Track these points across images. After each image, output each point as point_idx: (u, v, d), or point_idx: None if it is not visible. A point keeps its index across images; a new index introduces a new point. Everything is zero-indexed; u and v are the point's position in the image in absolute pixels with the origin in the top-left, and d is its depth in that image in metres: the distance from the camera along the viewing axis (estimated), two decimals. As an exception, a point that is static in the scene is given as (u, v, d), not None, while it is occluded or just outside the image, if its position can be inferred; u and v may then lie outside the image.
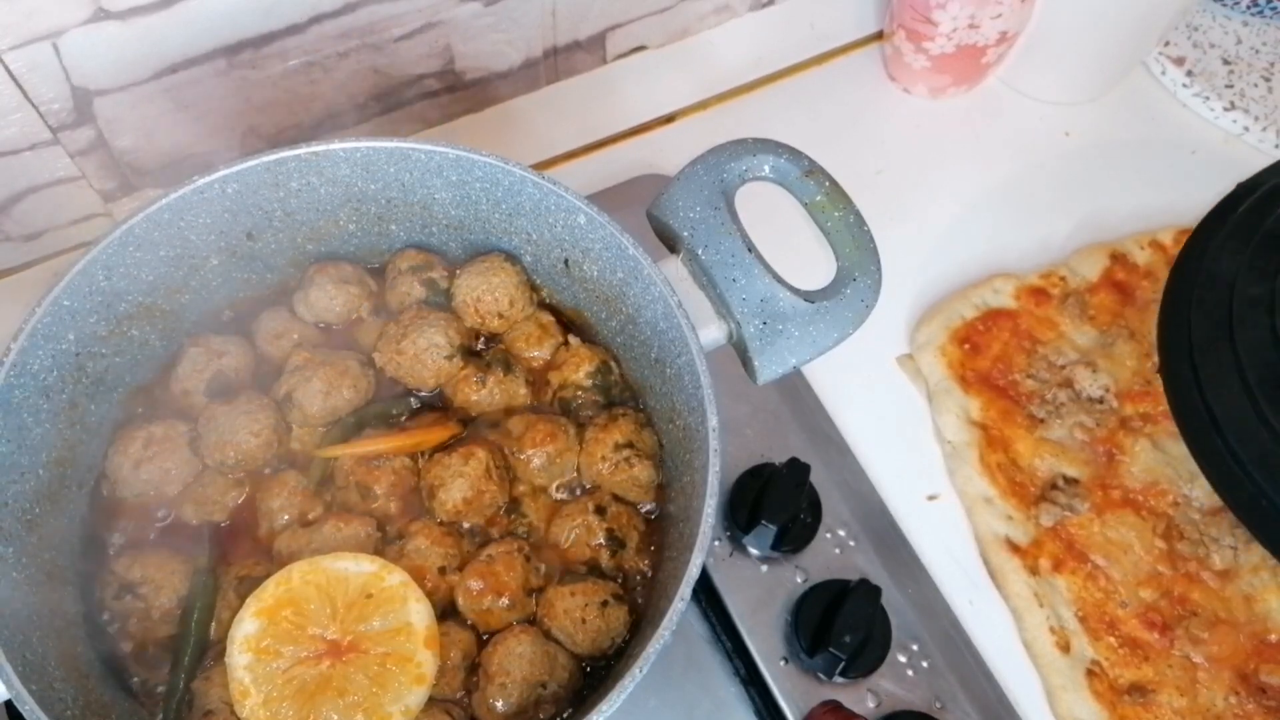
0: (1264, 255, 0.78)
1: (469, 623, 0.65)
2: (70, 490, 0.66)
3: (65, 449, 0.65)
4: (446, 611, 0.65)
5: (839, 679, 0.77)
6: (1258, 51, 1.12)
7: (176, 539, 0.67)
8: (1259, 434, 0.73)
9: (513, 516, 0.69)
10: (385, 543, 0.66)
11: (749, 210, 0.69)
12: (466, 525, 0.68)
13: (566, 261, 0.73)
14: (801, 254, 0.71)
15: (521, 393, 0.72)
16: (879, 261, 0.68)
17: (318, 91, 0.92)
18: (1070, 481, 0.86)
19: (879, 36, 1.13)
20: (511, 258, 0.74)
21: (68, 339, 0.64)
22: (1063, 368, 0.91)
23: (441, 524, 0.67)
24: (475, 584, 0.65)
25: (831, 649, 0.74)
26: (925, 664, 0.79)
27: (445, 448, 0.69)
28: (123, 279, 0.66)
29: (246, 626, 0.60)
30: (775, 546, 0.80)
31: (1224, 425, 0.74)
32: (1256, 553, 0.82)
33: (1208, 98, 1.09)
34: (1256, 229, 0.80)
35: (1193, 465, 0.79)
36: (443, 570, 0.65)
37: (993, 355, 0.91)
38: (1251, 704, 0.78)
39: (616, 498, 0.69)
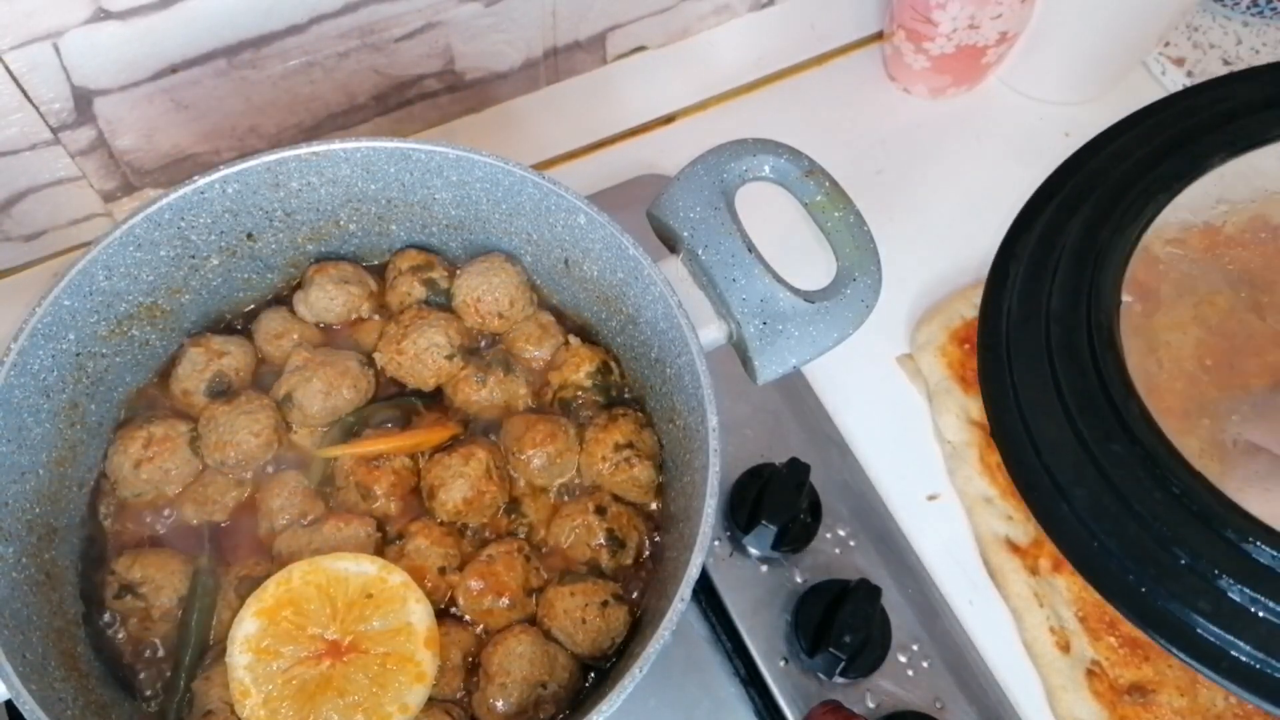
0: (1071, 278, 0.72)
1: (469, 623, 0.65)
2: (70, 490, 0.66)
3: (65, 449, 0.65)
4: (446, 611, 0.65)
5: (839, 679, 0.77)
6: (1258, 52, 1.11)
7: (176, 539, 0.67)
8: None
9: (513, 516, 0.69)
10: (385, 543, 0.66)
11: (749, 210, 0.69)
12: (469, 525, 0.68)
13: (566, 261, 0.73)
14: (801, 254, 0.71)
15: (522, 393, 0.72)
16: (879, 261, 0.68)
17: (318, 91, 0.92)
18: (1070, 481, 0.86)
19: (879, 36, 1.12)
20: (512, 258, 0.74)
21: (68, 339, 0.64)
22: (1063, 368, 0.91)
23: (441, 524, 0.67)
24: (475, 584, 0.65)
25: (831, 649, 0.74)
26: (925, 664, 0.79)
27: (445, 448, 0.69)
28: (123, 279, 0.66)
29: (246, 626, 0.60)
30: (775, 546, 0.80)
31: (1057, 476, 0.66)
32: (1256, 553, 0.82)
33: (1208, 98, 1.09)
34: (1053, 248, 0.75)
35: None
36: (443, 570, 0.65)
37: (993, 355, 0.91)
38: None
39: (616, 498, 0.69)
